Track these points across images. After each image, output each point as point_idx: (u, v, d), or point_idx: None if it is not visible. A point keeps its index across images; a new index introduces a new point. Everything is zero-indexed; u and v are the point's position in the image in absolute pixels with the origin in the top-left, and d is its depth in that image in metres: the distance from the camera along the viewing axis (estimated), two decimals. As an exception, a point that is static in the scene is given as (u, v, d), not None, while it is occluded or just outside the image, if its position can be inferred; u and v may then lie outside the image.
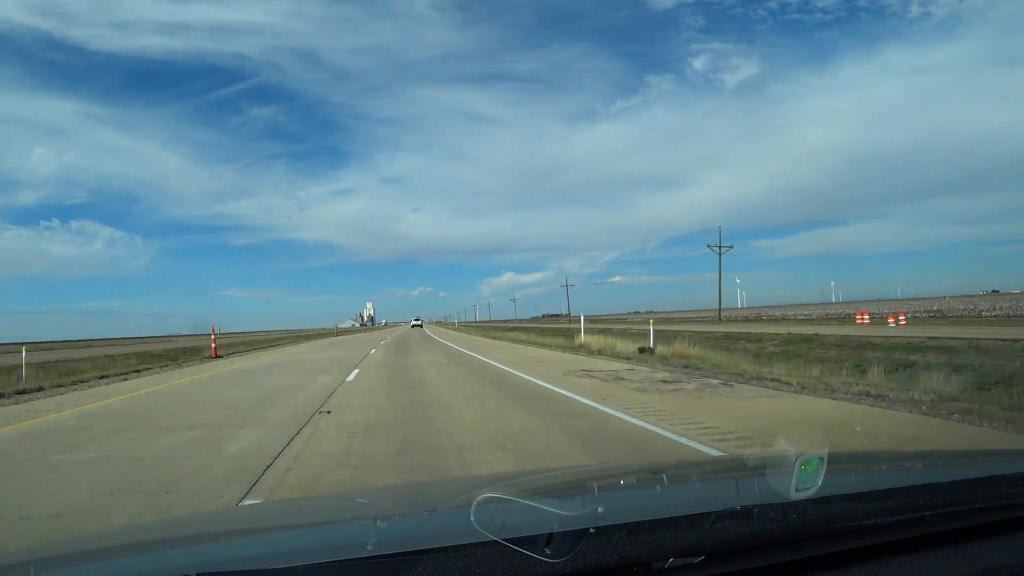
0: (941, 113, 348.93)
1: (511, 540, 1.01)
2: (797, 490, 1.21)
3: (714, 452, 5.32)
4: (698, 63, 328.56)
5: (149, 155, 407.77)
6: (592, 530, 1.05)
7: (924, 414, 6.85)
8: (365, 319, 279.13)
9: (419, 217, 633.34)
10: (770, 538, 1.13)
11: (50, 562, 1.30)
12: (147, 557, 1.35)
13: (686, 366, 13.32)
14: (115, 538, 1.66)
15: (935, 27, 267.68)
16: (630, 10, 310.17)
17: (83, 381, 13.77)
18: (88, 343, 72.44)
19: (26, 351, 15.20)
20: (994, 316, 40.76)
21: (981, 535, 1.25)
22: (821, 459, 1.33)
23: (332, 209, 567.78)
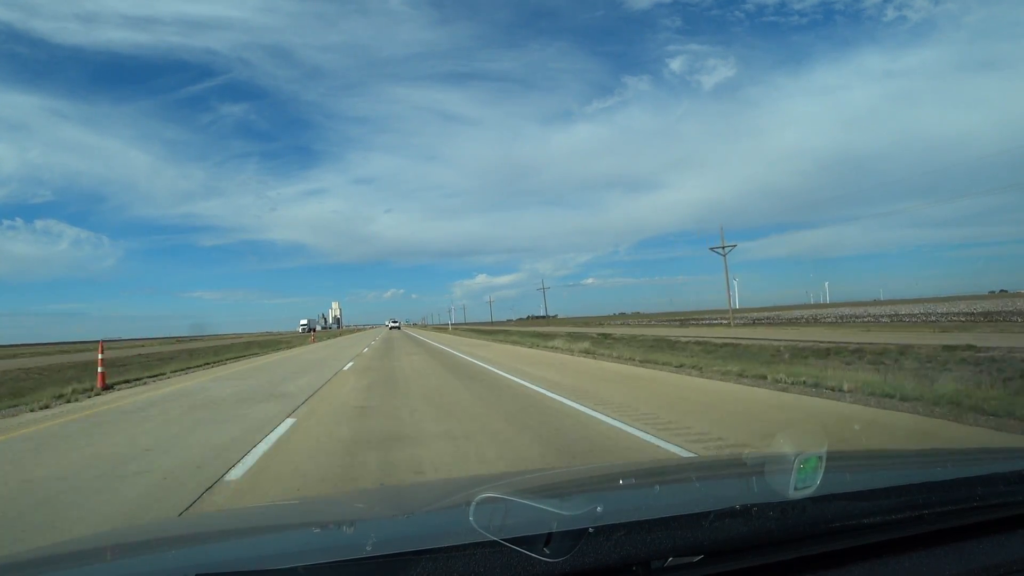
0: (912, 117, 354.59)
1: (510, 540, 1.01)
2: (796, 489, 1.21)
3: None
4: (675, 64, 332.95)
5: (116, 153, 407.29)
6: (591, 529, 1.05)
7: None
8: (329, 321, 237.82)
9: (391, 218, 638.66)
10: (769, 537, 1.13)
11: (50, 562, 1.30)
12: (147, 557, 1.35)
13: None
14: (115, 538, 1.65)
15: (909, 31, 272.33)
16: (607, 9, 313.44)
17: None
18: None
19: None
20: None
21: (979, 533, 1.26)
22: (820, 458, 1.33)
23: (303, 209, 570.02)
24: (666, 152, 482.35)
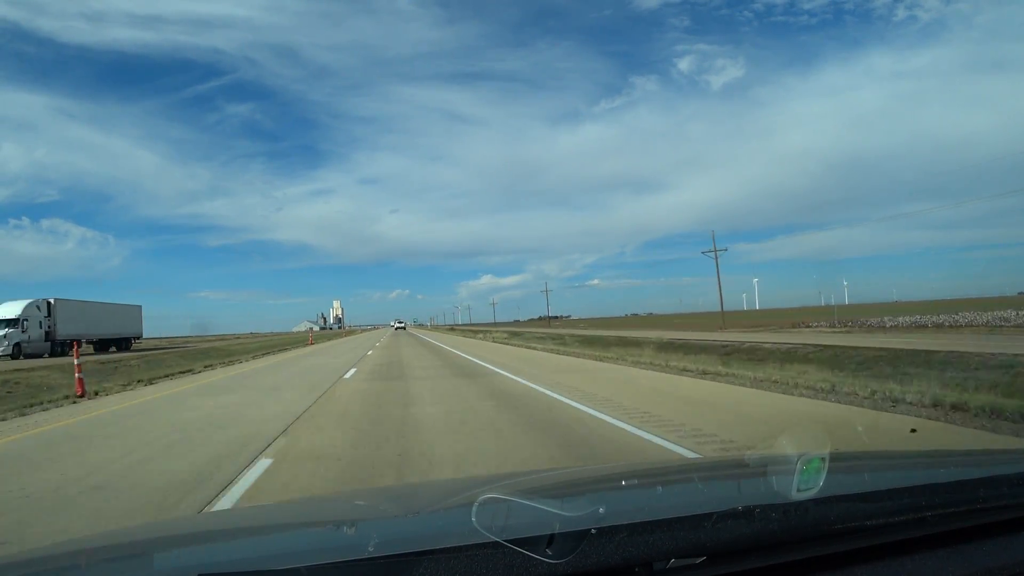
0: (921, 118, 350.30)
1: (513, 541, 1.01)
2: (799, 490, 1.21)
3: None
4: (683, 64, 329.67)
5: (122, 152, 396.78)
6: (593, 530, 1.05)
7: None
8: (330, 321, 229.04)
9: (397, 218, 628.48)
10: (772, 539, 1.13)
11: (50, 562, 1.30)
12: (148, 557, 1.35)
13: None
14: (116, 538, 1.66)
15: (919, 31, 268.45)
16: (615, 9, 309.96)
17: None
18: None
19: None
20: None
21: (982, 535, 1.25)
22: (823, 459, 1.33)
23: (309, 210, 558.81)
24: (673, 152, 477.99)
